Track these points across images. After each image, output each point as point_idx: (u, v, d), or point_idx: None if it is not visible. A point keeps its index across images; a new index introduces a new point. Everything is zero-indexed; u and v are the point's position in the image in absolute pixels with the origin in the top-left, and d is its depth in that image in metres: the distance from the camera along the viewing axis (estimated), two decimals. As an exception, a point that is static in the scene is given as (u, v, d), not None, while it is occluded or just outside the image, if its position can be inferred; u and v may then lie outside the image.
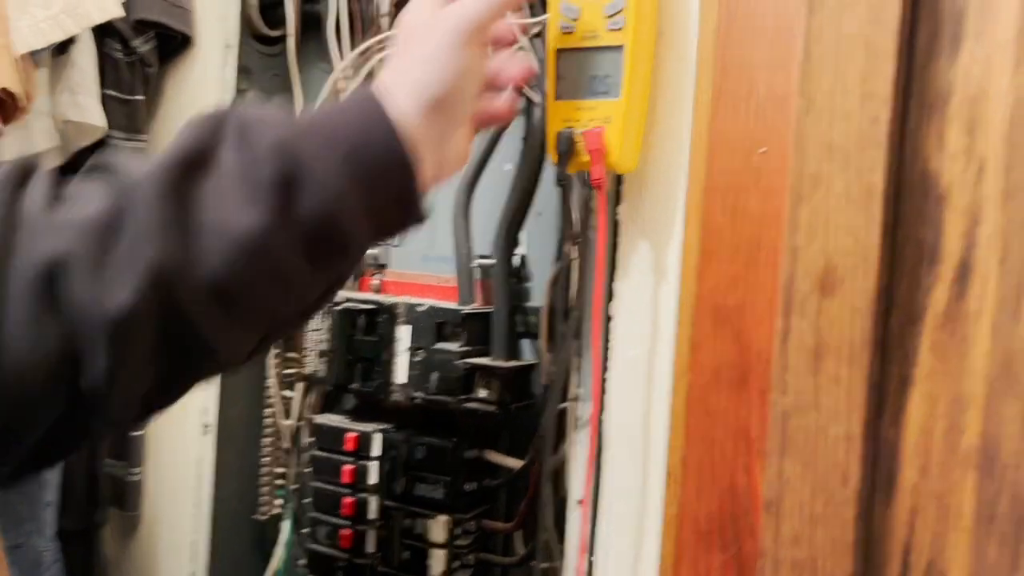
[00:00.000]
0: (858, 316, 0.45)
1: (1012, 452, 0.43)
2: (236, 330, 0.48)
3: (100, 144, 0.89)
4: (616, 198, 0.74)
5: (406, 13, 0.61)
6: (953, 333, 0.44)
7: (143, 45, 0.92)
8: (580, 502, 0.75)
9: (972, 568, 0.44)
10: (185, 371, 0.49)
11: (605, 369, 0.74)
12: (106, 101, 0.89)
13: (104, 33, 0.89)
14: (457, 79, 0.57)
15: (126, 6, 0.89)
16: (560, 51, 0.72)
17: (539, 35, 0.83)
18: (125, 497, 0.95)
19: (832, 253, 0.45)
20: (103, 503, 0.93)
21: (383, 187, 0.52)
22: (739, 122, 0.54)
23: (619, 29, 0.69)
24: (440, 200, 0.94)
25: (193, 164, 0.47)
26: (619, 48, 0.69)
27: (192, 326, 0.45)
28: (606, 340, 0.74)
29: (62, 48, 0.85)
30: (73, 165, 0.88)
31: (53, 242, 0.43)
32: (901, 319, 0.46)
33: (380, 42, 0.91)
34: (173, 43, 0.95)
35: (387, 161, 0.51)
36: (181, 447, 0.95)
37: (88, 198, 0.45)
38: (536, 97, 0.83)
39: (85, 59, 0.87)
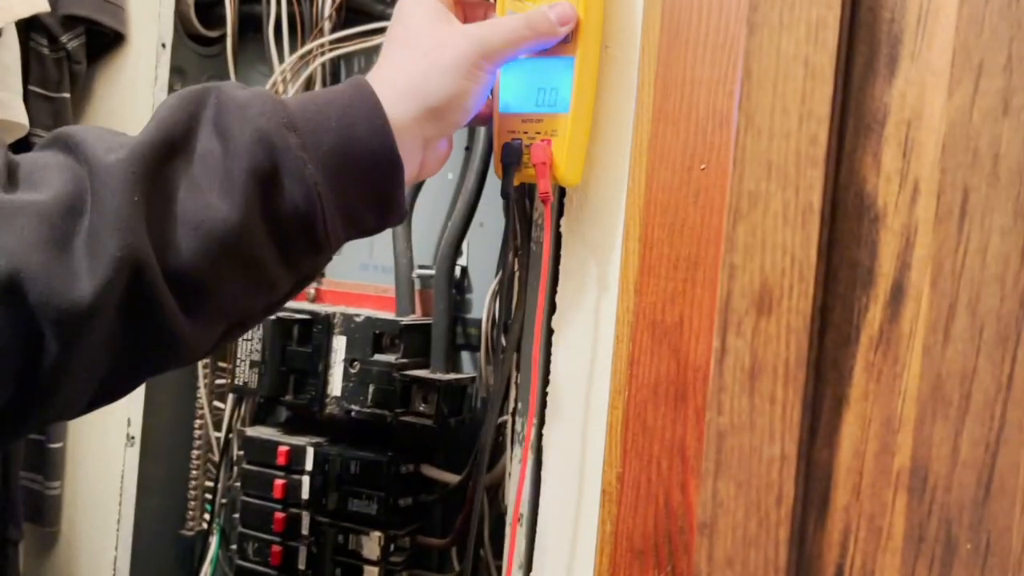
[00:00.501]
0: (794, 336, 0.45)
1: (942, 474, 0.43)
2: (201, 323, 0.47)
3: (23, 142, 0.85)
4: (559, 210, 0.74)
5: (407, 3, 0.59)
6: (886, 355, 0.45)
7: (72, 41, 0.88)
8: (517, 518, 0.74)
9: (902, 590, 0.44)
10: (143, 362, 0.47)
11: (545, 383, 0.73)
12: (31, 98, 0.86)
13: (30, 27, 0.85)
14: (463, 98, 0.57)
15: (54, 1, 0.85)
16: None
17: (485, 45, 0.83)
18: (42, 511, 0.91)
19: (769, 272, 0.45)
20: (18, 518, 0.88)
21: (365, 187, 0.51)
22: (679, 139, 0.54)
23: (568, 42, 0.69)
24: (381, 208, 0.93)
25: (168, 149, 0.45)
26: (568, 60, 0.69)
27: (157, 317, 0.44)
28: (547, 354, 0.73)
29: (-15, 42, 0.81)
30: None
31: (9, 228, 0.40)
32: (836, 340, 0.46)
33: (321, 46, 0.90)
34: (104, 40, 0.91)
35: (373, 161, 0.50)
36: (104, 459, 0.91)
37: (49, 178, 0.43)
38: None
39: (8, 55, 0.83)
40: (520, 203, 0.76)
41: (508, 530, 0.74)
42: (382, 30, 0.86)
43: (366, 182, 0.51)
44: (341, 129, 0.49)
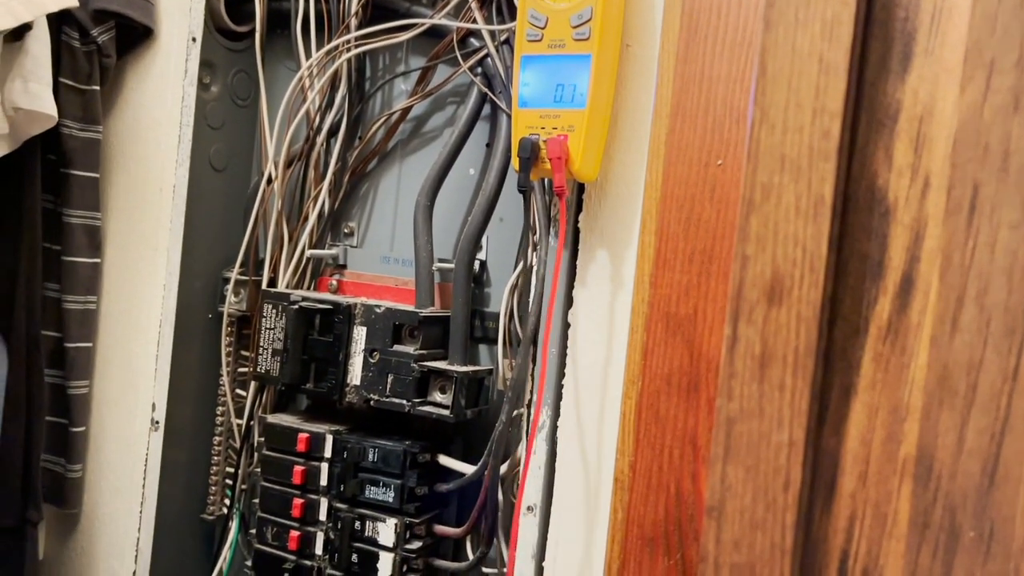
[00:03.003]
0: (804, 326, 0.45)
1: (947, 463, 0.44)
2: None
3: (52, 132, 0.87)
4: (577, 206, 0.75)
5: None
6: (894, 345, 0.45)
7: (102, 35, 0.90)
8: (530, 508, 0.75)
9: (906, 575, 0.44)
10: None
11: (562, 375, 0.75)
12: (61, 90, 0.88)
13: (61, 21, 0.88)
14: None
15: (85, -4, 0.88)
16: (526, 58, 0.73)
17: (507, 42, 0.84)
18: (64, 494, 0.93)
19: (780, 262, 0.46)
20: (39, 500, 0.90)
21: None
22: (696, 134, 0.55)
23: (585, 39, 0.70)
24: (401, 202, 0.95)
25: None
26: (585, 57, 0.70)
27: None
28: (564, 347, 0.74)
29: (16, 34, 0.83)
30: (20, 154, 0.86)
31: None
32: (845, 330, 0.47)
33: (347, 42, 0.91)
34: (134, 34, 0.93)
35: None
36: (128, 443, 0.93)
37: None
38: (502, 104, 0.83)
39: (39, 47, 0.85)
40: (539, 198, 0.77)
41: (522, 519, 0.75)
42: (407, 27, 0.88)
43: None
44: None
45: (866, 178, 0.46)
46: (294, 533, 0.84)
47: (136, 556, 0.92)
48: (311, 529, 0.84)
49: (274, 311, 0.88)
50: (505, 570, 0.81)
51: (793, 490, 0.45)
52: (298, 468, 0.85)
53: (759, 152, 0.46)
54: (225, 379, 0.97)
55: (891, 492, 0.45)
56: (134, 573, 0.92)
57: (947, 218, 0.44)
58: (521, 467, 0.76)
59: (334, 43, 0.92)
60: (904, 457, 0.45)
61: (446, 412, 0.81)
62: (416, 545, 0.82)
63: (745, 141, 0.51)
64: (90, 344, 0.94)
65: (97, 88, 0.91)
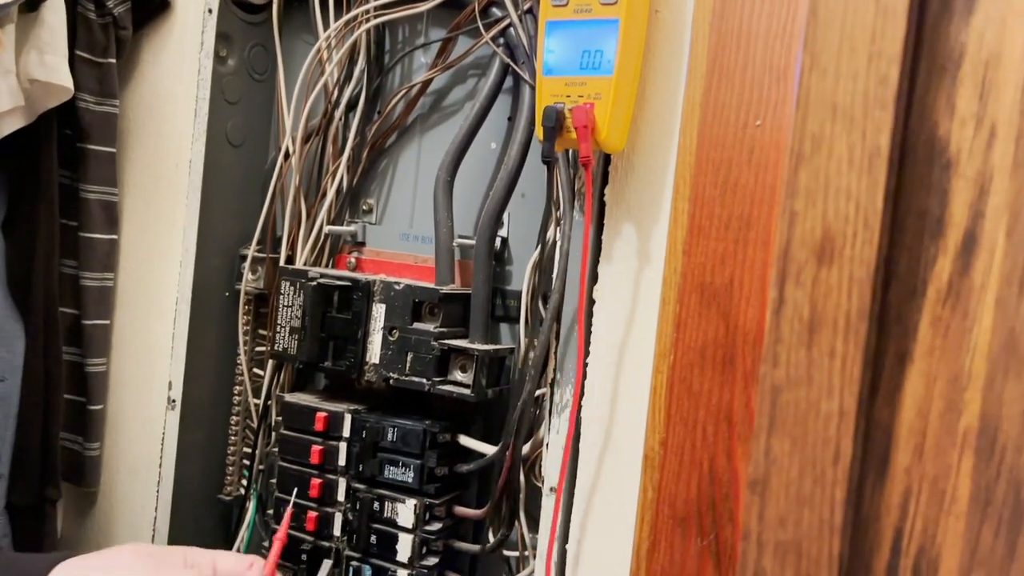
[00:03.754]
0: (856, 287, 0.43)
1: (1012, 435, 0.41)
2: None
3: (68, 106, 0.86)
4: (603, 179, 0.72)
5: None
6: (955, 308, 0.43)
7: (118, 7, 0.89)
8: (553, 489, 0.72)
9: (966, 555, 0.42)
10: None
11: (586, 353, 0.72)
12: (77, 63, 0.86)
13: (77, -8, 0.86)
14: None
15: (100, -34, 0.86)
16: (551, 24, 0.70)
17: (530, 11, 0.81)
18: (82, 472, 0.92)
19: (832, 219, 0.43)
20: (57, 478, 0.89)
21: None
22: (734, 93, 0.52)
23: (613, 3, 0.67)
24: (421, 177, 0.92)
25: None
26: (613, 22, 0.67)
27: None
28: (588, 324, 0.72)
29: (32, 5, 0.82)
30: (36, 128, 0.84)
31: None
32: (901, 292, 0.44)
33: (366, 12, 0.89)
34: (150, 6, 0.91)
35: None
36: (145, 422, 0.92)
37: None
38: (525, 75, 0.81)
39: (55, 18, 0.83)
40: (563, 171, 0.74)
41: (544, 501, 0.73)
42: (427, -5, 0.85)
43: None
44: None
45: (926, 128, 0.43)
46: (312, 514, 0.83)
47: (153, 535, 0.91)
48: (329, 510, 0.83)
49: (292, 288, 0.86)
50: (527, 552, 0.79)
51: (843, 463, 0.42)
52: (316, 448, 0.83)
53: (809, 101, 0.43)
54: (242, 358, 0.95)
55: (950, 466, 0.42)
56: (150, 553, 0.91)
57: (1015, 171, 0.41)
58: (544, 448, 0.74)
59: (352, 14, 0.89)
60: (965, 429, 0.42)
61: (467, 391, 0.79)
62: (436, 526, 0.80)
63: (786, 101, 0.48)
64: (107, 321, 0.92)
65: (113, 61, 0.89)
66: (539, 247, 0.81)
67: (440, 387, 0.79)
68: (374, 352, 0.83)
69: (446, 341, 0.80)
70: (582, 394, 0.72)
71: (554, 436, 0.73)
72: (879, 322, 0.44)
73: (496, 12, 0.84)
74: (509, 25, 0.82)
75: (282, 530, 0.78)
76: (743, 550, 0.44)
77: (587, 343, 0.72)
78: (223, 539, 0.98)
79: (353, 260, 0.94)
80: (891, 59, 0.42)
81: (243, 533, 0.93)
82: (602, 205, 0.72)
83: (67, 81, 0.83)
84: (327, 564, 0.82)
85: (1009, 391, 0.41)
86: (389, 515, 0.80)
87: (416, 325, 0.82)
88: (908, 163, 0.44)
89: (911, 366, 0.44)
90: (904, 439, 0.44)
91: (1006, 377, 0.42)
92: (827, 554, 0.42)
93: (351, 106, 0.92)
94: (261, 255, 0.95)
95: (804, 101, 0.44)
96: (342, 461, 0.82)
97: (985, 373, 0.42)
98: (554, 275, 0.74)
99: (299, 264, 0.92)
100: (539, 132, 0.69)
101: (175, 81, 0.92)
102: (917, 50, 0.43)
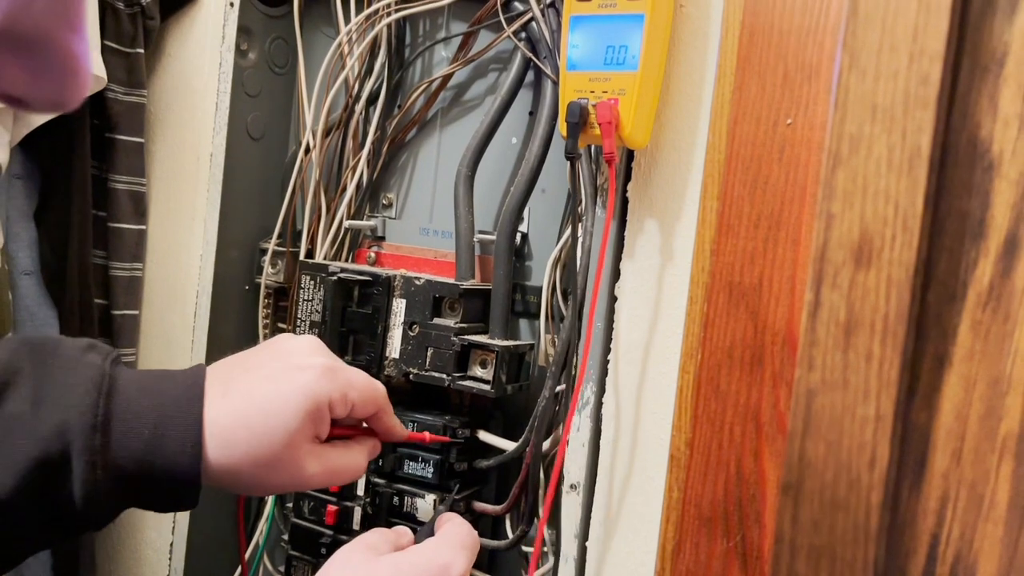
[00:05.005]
0: (895, 290, 0.42)
1: (1053, 440, 0.41)
2: None
3: (96, 96, 0.86)
4: (626, 175, 0.72)
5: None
6: (996, 312, 0.42)
7: (145, -4, 0.89)
8: (573, 486, 0.72)
9: (1004, 562, 0.41)
10: None
11: (608, 351, 0.72)
12: (105, 52, 0.86)
13: (106, -18, 0.86)
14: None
15: (127, -43, 0.86)
16: (575, 19, 0.70)
17: (552, 5, 0.81)
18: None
19: (870, 221, 0.42)
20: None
21: (154, 494, 0.48)
22: (765, 91, 0.52)
23: (638, -2, 0.67)
24: (441, 172, 0.92)
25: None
26: (638, 17, 0.67)
27: None
28: (610, 321, 0.72)
29: (61, -6, 0.82)
30: (67, 118, 0.84)
31: None
32: (940, 295, 0.43)
33: (387, 6, 0.89)
34: (177, -3, 0.92)
35: (171, 480, 0.47)
36: (163, 415, 0.92)
37: None
38: (547, 70, 0.80)
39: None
40: (585, 167, 0.74)
41: (565, 498, 0.73)
42: (450, -12, 0.85)
43: (156, 491, 0.48)
44: (151, 441, 0.46)
45: (968, 129, 0.42)
46: (331, 508, 0.83)
47: (173, 528, 0.91)
48: (348, 504, 0.83)
49: (312, 283, 0.86)
50: (546, 549, 0.79)
51: (880, 468, 0.42)
52: (335, 442, 0.83)
53: (847, 100, 0.43)
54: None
55: (989, 472, 0.42)
56: (171, 544, 0.91)
57: (1059, 172, 0.40)
58: (563, 444, 0.74)
59: (373, 7, 0.89)
60: (1005, 434, 0.41)
61: (487, 387, 0.78)
62: (455, 523, 0.80)
63: (819, 100, 0.48)
64: (136, 312, 0.93)
65: (141, 51, 0.90)
66: (560, 243, 0.81)
67: (460, 383, 0.79)
68: (394, 347, 0.83)
69: (466, 336, 0.80)
70: (602, 391, 0.72)
71: (575, 433, 0.73)
72: (917, 325, 0.43)
73: (518, 6, 0.83)
74: (531, 19, 0.82)
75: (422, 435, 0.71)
76: (775, 553, 0.44)
77: (608, 340, 0.72)
78: (243, 532, 0.99)
79: (373, 255, 0.94)
80: (933, 57, 0.41)
81: (262, 526, 0.93)
82: (625, 201, 0.72)
83: (100, 71, 0.83)
84: (346, 558, 0.82)
85: (1050, 396, 0.41)
86: (408, 510, 0.80)
87: (436, 320, 0.81)
88: (949, 164, 0.43)
89: (950, 370, 0.43)
90: (942, 443, 0.43)
91: (1047, 382, 0.41)
92: (862, 560, 0.42)
93: (372, 100, 0.92)
94: (281, 249, 0.95)
95: (842, 101, 0.43)
96: (362, 456, 0.82)
97: (1026, 378, 0.42)
98: (576, 271, 0.73)
99: (319, 258, 0.92)
100: (562, 128, 0.69)
101: (196, 74, 0.92)
102: (960, 49, 0.42)
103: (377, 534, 0.54)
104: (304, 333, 0.86)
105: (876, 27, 0.42)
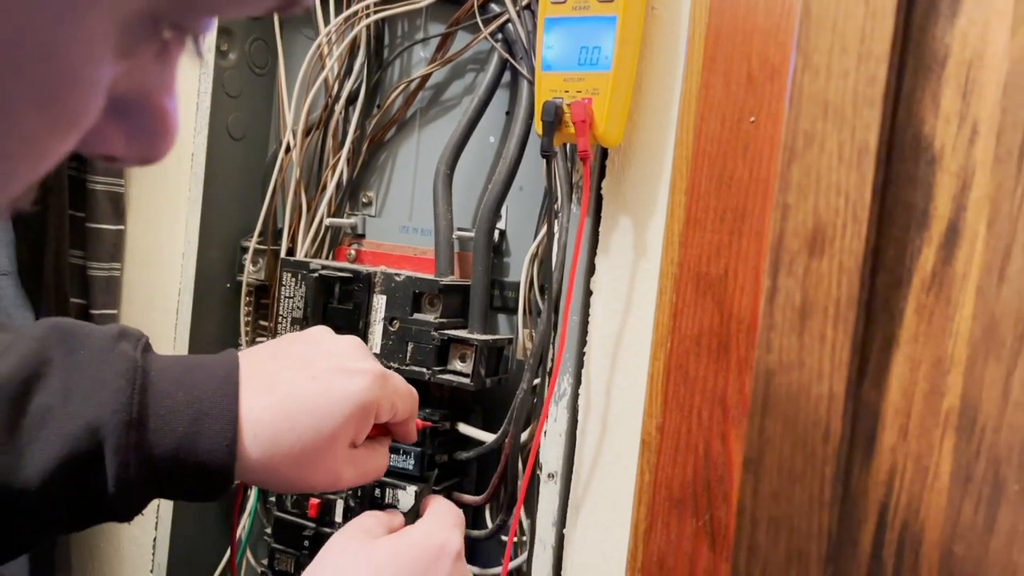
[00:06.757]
0: (846, 276, 0.45)
1: (992, 415, 0.43)
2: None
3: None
4: (600, 173, 0.74)
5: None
6: (939, 296, 0.45)
7: (122, 0, 0.90)
8: (551, 476, 0.74)
9: (947, 529, 0.44)
10: None
11: (584, 343, 0.74)
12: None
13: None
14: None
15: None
16: (550, 21, 0.72)
17: (528, 7, 0.83)
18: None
19: (823, 212, 0.45)
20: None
21: (184, 487, 0.48)
22: (730, 90, 0.54)
23: (611, 0, 0.69)
24: (420, 171, 0.94)
25: (29, 381, 0.45)
26: (611, 19, 0.69)
27: None
28: (585, 315, 0.74)
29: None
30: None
31: None
32: (888, 281, 0.46)
33: (367, 8, 0.90)
34: (153, 0, 0.92)
35: (203, 472, 0.47)
36: (146, 412, 0.93)
37: None
38: (523, 70, 0.82)
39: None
40: (561, 165, 0.76)
41: (543, 487, 0.75)
42: (428, -9, 0.87)
43: (188, 484, 0.48)
44: (185, 437, 0.46)
45: (912, 125, 0.45)
46: (313, 500, 0.84)
47: (156, 523, 0.92)
48: (331, 497, 0.84)
49: (293, 280, 0.87)
50: (524, 538, 0.81)
51: (833, 443, 0.44)
52: (318, 436, 0.84)
53: (801, 99, 0.45)
54: (244, 348, 0.97)
55: (933, 445, 0.44)
56: (155, 540, 0.92)
57: (996, 166, 0.43)
58: (542, 436, 0.76)
59: (353, 9, 0.91)
60: (947, 410, 0.44)
61: (466, 380, 0.80)
62: (436, 513, 0.82)
63: (780, 98, 0.50)
64: (115, 311, 0.94)
65: (119, 57, 0.91)
66: (537, 239, 0.83)
67: (440, 376, 0.81)
68: (375, 342, 0.84)
69: (446, 331, 0.82)
70: (579, 383, 0.74)
71: (552, 424, 0.75)
72: (867, 309, 0.46)
73: (494, 8, 0.85)
74: (507, 21, 0.84)
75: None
76: (738, 525, 0.46)
77: (584, 333, 0.74)
78: (226, 526, 1.00)
79: (353, 252, 0.95)
80: (879, 59, 0.44)
81: (245, 520, 0.94)
82: (599, 198, 0.74)
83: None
84: (329, 549, 0.84)
85: (989, 374, 0.44)
86: (390, 501, 0.82)
87: (416, 316, 0.83)
88: (895, 159, 0.46)
89: (897, 351, 0.46)
90: (890, 419, 0.46)
91: (986, 361, 0.44)
92: (817, 528, 0.44)
93: (351, 100, 0.94)
94: (262, 247, 0.96)
95: (797, 99, 0.46)
96: (344, 448, 0.84)
97: (966, 357, 0.44)
98: (552, 267, 0.75)
99: (300, 256, 0.93)
100: (538, 127, 0.71)
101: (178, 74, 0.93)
102: (904, 51, 0.45)
103: (372, 518, 0.55)
104: (285, 329, 0.88)
105: (827, 29, 0.45)
